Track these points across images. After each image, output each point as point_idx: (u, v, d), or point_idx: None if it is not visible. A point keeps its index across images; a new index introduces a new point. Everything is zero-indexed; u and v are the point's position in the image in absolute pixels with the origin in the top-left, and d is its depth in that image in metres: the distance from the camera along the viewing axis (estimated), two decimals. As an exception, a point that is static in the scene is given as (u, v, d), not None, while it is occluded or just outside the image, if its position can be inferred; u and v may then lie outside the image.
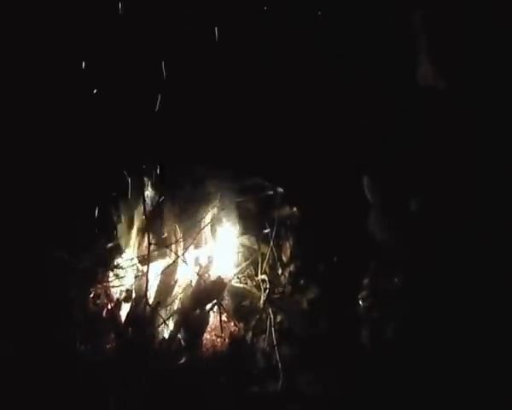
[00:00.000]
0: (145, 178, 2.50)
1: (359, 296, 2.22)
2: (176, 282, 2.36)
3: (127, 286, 2.39)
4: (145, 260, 2.36)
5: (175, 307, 2.31)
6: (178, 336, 2.20)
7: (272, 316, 2.25)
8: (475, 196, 2.23)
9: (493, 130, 2.27)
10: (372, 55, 2.74)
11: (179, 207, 2.49)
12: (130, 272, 2.44)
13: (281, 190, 2.60)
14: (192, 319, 2.24)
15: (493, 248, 2.15)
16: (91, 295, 2.41)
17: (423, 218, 2.25)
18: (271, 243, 2.47)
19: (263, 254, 2.47)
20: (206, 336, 2.28)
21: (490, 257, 2.13)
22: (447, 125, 2.39)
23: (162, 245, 2.38)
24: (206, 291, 2.31)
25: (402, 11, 2.61)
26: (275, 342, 2.17)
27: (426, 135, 2.40)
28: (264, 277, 2.41)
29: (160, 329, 2.22)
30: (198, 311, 2.27)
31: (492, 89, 2.40)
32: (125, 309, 2.30)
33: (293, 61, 2.90)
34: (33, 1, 2.81)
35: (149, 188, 2.50)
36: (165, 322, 2.22)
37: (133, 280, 2.39)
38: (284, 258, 2.49)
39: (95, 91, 2.65)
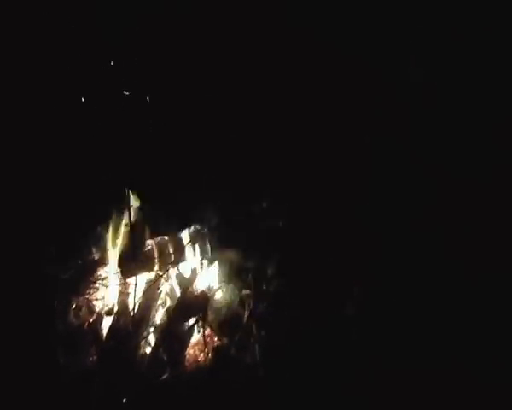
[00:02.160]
0: (129, 190, 2.46)
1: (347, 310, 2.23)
2: (159, 295, 2.34)
3: (110, 299, 2.36)
4: (128, 272, 2.35)
5: (158, 321, 2.29)
6: (161, 350, 2.17)
7: (256, 331, 2.24)
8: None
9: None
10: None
11: (164, 220, 2.47)
12: (113, 285, 2.41)
13: (266, 204, 2.59)
14: (175, 333, 2.22)
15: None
16: (73, 307, 2.37)
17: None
18: (256, 257, 2.45)
19: (247, 269, 2.45)
20: (189, 350, 2.27)
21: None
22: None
23: (146, 258, 2.35)
24: (190, 305, 2.29)
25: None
26: (258, 358, 2.16)
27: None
28: (248, 291, 2.40)
29: (142, 343, 2.19)
30: (181, 325, 2.25)
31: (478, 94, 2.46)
32: (107, 322, 2.28)
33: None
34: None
35: (134, 200, 2.47)
36: (147, 337, 2.20)
37: (116, 293, 2.36)
38: (269, 272, 2.48)
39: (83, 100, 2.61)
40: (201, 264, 2.46)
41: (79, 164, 2.63)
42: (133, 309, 2.23)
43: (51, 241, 2.46)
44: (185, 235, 2.46)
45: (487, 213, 2.41)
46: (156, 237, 2.44)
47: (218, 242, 2.48)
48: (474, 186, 2.44)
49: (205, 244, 2.49)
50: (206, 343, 2.27)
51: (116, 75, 2.62)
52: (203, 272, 2.45)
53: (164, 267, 2.38)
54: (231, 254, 2.47)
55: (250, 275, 2.41)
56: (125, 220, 2.40)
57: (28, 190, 2.60)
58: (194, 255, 2.45)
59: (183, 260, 2.44)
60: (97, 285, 2.43)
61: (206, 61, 2.67)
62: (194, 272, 2.41)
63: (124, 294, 2.37)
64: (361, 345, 2.19)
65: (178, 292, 2.34)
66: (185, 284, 2.36)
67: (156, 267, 2.40)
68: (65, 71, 2.59)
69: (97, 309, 2.36)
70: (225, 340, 2.29)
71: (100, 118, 2.64)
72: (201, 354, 2.26)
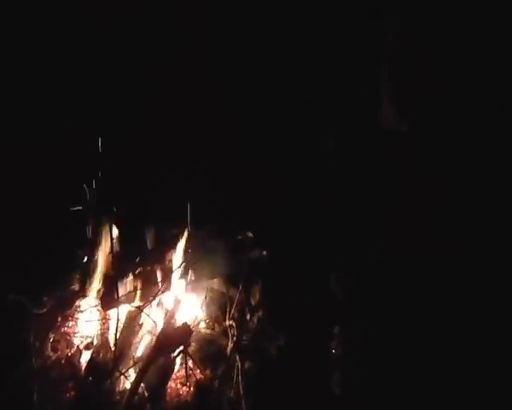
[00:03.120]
0: (111, 219, 2.43)
1: (330, 345, 2.19)
2: (140, 327, 2.28)
3: (88, 332, 2.29)
4: (109, 304, 2.29)
5: (138, 354, 2.22)
6: (141, 385, 2.10)
7: (240, 363, 2.18)
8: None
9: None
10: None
11: (146, 249, 2.43)
12: (92, 318, 2.34)
13: (250, 234, 2.57)
14: (156, 366, 2.15)
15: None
16: (50, 341, 2.29)
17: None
18: (240, 287, 2.41)
19: (231, 299, 2.41)
20: (171, 384, 2.20)
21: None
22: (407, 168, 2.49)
23: (127, 290, 2.30)
24: (172, 337, 2.22)
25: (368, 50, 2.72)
26: (242, 391, 2.10)
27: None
28: (231, 322, 2.35)
29: (122, 378, 2.12)
30: (162, 358, 2.18)
31: (454, 133, 2.52)
32: (85, 357, 2.21)
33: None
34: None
35: (115, 229, 2.43)
36: (126, 371, 2.12)
37: (95, 326, 2.29)
38: (253, 302, 2.44)
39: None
40: (184, 295, 2.41)
41: (60, 191, 2.61)
42: (113, 343, 2.16)
43: (27, 272, 2.40)
44: (167, 266, 2.42)
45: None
46: (137, 268, 2.40)
47: (201, 271, 2.45)
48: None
49: (187, 275, 2.45)
50: (188, 377, 2.20)
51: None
52: (186, 302, 2.40)
53: (145, 299, 2.33)
54: (215, 284, 2.44)
55: (234, 305, 2.36)
56: (105, 250, 2.36)
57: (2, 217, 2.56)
58: (177, 286, 2.40)
59: (165, 292, 2.38)
60: (76, 318, 2.35)
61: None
62: (176, 302, 2.35)
63: (104, 327, 2.30)
64: (347, 379, 2.16)
65: (160, 324, 2.27)
66: (167, 315, 2.30)
67: (137, 299, 2.35)
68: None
69: (76, 343, 2.28)
70: (208, 373, 2.23)
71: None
72: (183, 388, 2.19)
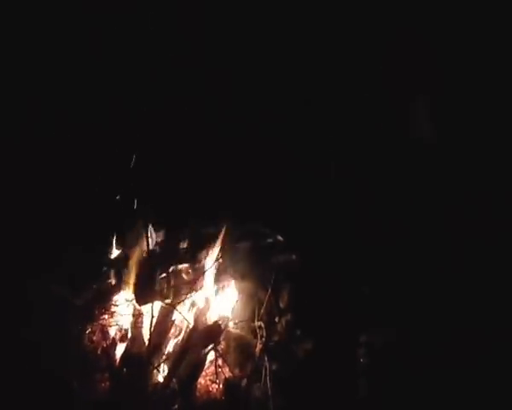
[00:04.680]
0: (148, 217, 2.51)
1: (358, 352, 2.23)
2: (172, 324, 2.36)
3: (123, 325, 2.39)
4: (143, 299, 2.37)
5: (170, 350, 2.31)
6: (173, 380, 2.18)
7: (268, 364, 2.25)
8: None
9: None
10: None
11: (181, 249, 2.51)
12: (127, 311, 2.43)
13: (280, 237, 2.63)
14: (187, 362, 2.23)
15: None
16: (88, 333, 2.39)
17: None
18: (269, 290, 2.47)
19: (260, 300, 2.47)
20: (201, 380, 2.27)
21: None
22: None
23: (161, 286, 2.38)
24: (203, 335, 2.30)
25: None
26: (269, 392, 2.16)
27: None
28: (260, 323, 2.41)
29: (154, 371, 2.20)
30: (193, 355, 2.26)
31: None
32: (120, 348, 2.30)
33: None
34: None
35: (152, 227, 2.51)
36: (159, 365, 2.21)
37: (130, 319, 2.38)
38: (282, 305, 2.49)
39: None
40: (215, 294, 2.48)
41: (100, 191, 2.70)
42: (147, 337, 2.24)
43: (68, 266, 2.51)
44: (200, 265, 2.49)
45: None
46: (172, 266, 2.48)
47: (232, 273, 2.51)
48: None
49: (219, 275, 2.52)
50: (217, 374, 2.27)
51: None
52: (217, 302, 2.47)
53: (178, 296, 2.41)
54: (245, 286, 2.50)
55: (263, 307, 2.42)
56: (142, 248, 2.45)
57: (44, 214, 2.66)
58: (209, 285, 2.47)
59: (198, 290, 2.46)
60: (112, 311, 2.45)
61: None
62: (207, 301, 2.43)
63: (138, 321, 2.39)
64: (373, 386, 2.19)
65: (192, 322, 2.35)
66: (199, 313, 2.38)
67: (171, 296, 2.43)
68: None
69: (111, 335, 2.38)
70: (237, 372, 2.30)
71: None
72: (213, 385, 2.27)
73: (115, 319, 2.44)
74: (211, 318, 2.40)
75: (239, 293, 2.51)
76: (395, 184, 2.78)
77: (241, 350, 2.36)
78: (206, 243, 2.53)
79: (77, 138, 2.78)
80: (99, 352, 2.32)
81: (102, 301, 2.49)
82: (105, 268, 2.53)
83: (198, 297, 2.46)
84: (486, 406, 2.12)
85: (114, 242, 2.56)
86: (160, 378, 2.22)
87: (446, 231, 2.56)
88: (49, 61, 2.82)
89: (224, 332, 2.36)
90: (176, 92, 2.91)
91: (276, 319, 2.45)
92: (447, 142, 2.63)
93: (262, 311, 2.44)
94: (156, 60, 2.84)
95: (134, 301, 2.43)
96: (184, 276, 2.48)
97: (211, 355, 2.32)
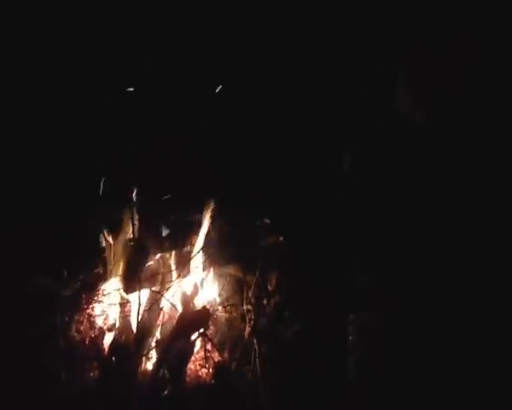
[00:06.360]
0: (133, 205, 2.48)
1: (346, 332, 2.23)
2: (161, 310, 2.35)
3: (111, 314, 2.37)
4: (131, 287, 2.36)
5: (159, 337, 2.30)
6: (162, 366, 2.18)
7: (257, 347, 2.25)
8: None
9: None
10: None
11: (167, 235, 2.49)
12: (114, 300, 2.41)
13: (267, 220, 2.61)
14: (176, 349, 2.23)
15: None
16: (75, 322, 2.37)
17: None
18: (257, 273, 2.47)
19: (248, 284, 2.47)
20: (191, 366, 2.27)
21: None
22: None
23: (149, 274, 2.36)
24: (191, 321, 2.30)
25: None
26: (259, 374, 2.16)
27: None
28: (249, 307, 2.41)
29: (143, 359, 2.20)
30: (182, 341, 2.25)
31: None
32: (108, 338, 2.29)
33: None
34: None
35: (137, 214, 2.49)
36: (148, 352, 2.20)
37: (117, 308, 2.37)
38: (270, 288, 2.49)
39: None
40: (203, 279, 2.47)
41: (85, 178, 2.67)
42: (135, 325, 2.23)
43: (53, 257, 2.48)
44: (187, 251, 2.48)
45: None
46: (159, 253, 2.46)
47: (219, 257, 2.50)
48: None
49: (206, 260, 2.50)
50: (207, 359, 2.27)
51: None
52: (204, 287, 2.46)
53: (166, 283, 2.40)
54: (232, 269, 2.49)
55: (251, 290, 2.42)
56: (128, 235, 2.43)
57: (28, 202, 2.64)
58: (196, 271, 2.46)
59: (186, 276, 2.45)
60: (99, 300, 2.43)
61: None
62: (195, 287, 2.41)
63: (126, 310, 2.37)
64: (362, 366, 2.20)
65: (180, 308, 2.34)
66: (187, 299, 2.37)
67: (158, 283, 2.42)
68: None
69: (99, 325, 2.36)
70: (226, 355, 2.30)
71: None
72: (202, 370, 2.27)
73: (103, 308, 2.43)
74: (199, 303, 2.39)
75: (226, 277, 2.50)
76: (388, 168, 2.74)
77: (229, 334, 2.36)
78: (193, 229, 2.51)
79: (64, 129, 2.76)
80: (87, 342, 2.30)
81: (89, 290, 2.47)
82: (91, 257, 2.52)
83: (185, 283, 2.45)
84: (480, 388, 2.11)
85: (101, 230, 2.54)
86: (150, 366, 2.22)
87: (441, 216, 2.53)
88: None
89: (213, 317, 2.35)
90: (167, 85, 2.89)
91: (265, 302, 2.44)
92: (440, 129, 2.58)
93: (250, 294, 2.44)
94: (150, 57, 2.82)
95: (121, 290, 2.42)
96: (171, 263, 2.48)
97: (200, 341, 2.31)
